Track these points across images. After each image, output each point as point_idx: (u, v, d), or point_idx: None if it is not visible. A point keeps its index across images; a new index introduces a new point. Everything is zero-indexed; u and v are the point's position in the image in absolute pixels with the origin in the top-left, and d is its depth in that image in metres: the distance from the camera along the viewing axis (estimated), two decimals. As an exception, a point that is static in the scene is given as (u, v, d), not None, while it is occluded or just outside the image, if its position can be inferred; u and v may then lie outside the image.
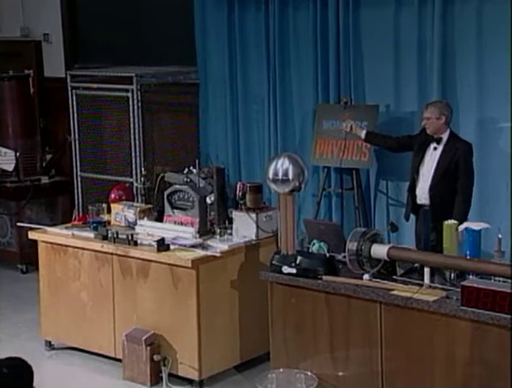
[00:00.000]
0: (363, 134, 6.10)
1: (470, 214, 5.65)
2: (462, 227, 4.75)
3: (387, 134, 6.12)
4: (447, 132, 5.62)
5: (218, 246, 5.50)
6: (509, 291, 4.16)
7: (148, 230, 5.72)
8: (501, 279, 4.35)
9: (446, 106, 5.64)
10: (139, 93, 7.14)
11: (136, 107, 7.15)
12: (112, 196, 6.29)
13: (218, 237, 5.63)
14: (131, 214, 5.93)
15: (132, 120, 7.19)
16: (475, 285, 4.28)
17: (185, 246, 5.48)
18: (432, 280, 4.59)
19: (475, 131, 5.96)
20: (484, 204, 5.94)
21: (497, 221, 5.52)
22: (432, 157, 5.64)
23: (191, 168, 6.08)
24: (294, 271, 4.90)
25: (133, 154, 7.24)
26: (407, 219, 5.88)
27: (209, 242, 5.56)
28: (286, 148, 6.77)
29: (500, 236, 4.66)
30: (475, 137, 5.90)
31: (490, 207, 5.93)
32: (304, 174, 5.01)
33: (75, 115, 7.60)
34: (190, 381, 5.47)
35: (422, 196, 5.66)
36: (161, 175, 6.23)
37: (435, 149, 5.63)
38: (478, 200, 5.87)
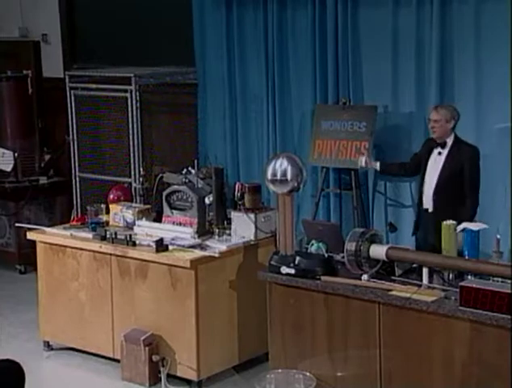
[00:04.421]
0: (377, 167, 6.06)
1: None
2: (460, 227, 4.76)
3: (400, 162, 6.07)
4: (452, 136, 5.54)
5: (217, 246, 5.49)
6: (508, 291, 4.16)
7: (147, 231, 5.72)
8: (499, 279, 4.35)
9: (456, 111, 5.55)
10: (137, 93, 7.13)
11: (134, 107, 7.15)
12: (111, 196, 6.29)
13: (217, 237, 5.62)
14: (129, 215, 5.93)
15: (130, 120, 7.18)
16: (473, 286, 4.28)
17: (183, 246, 5.48)
18: (431, 281, 4.60)
19: (472, 132, 5.93)
20: (482, 204, 5.93)
21: (494, 222, 5.51)
22: (436, 161, 5.55)
23: (190, 168, 6.07)
24: (292, 271, 4.90)
25: (132, 155, 7.23)
26: (415, 233, 5.73)
27: (208, 243, 5.55)
28: (284, 148, 6.78)
29: (498, 236, 4.66)
30: (472, 137, 5.86)
31: (487, 207, 5.91)
32: (302, 174, 5.00)
33: (73, 115, 7.59)
34: (188, 382, 5.47)
35: (428, 201, 5.59)
36: (160, 175, 6.24)
37: (440, 153, 5.54)
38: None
